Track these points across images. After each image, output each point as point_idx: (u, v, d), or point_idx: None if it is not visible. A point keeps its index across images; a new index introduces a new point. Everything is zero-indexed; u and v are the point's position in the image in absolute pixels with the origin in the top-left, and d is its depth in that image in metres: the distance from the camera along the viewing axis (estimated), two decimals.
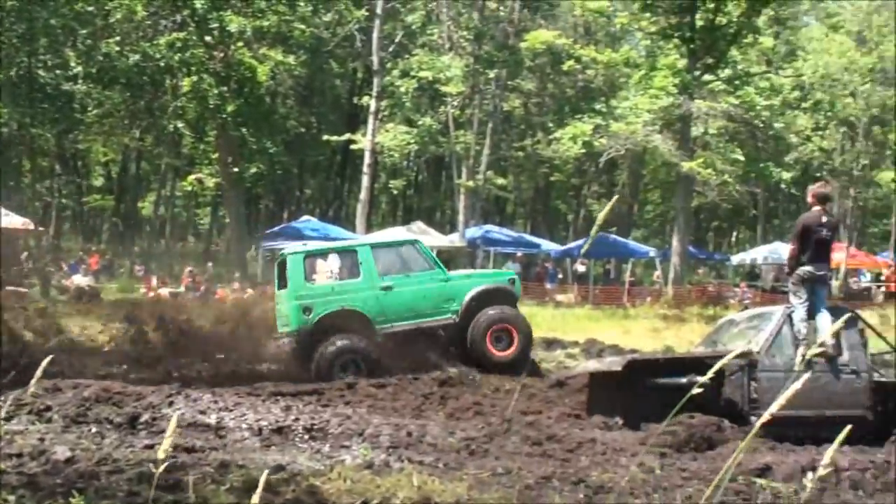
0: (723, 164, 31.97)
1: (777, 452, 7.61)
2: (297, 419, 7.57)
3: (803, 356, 8.66)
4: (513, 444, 7.49)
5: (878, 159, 40.42)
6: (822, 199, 9.49)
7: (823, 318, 9.07)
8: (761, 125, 33.85)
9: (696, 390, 2.81)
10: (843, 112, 36.88)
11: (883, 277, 39.19)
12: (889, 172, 38.26)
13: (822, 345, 8.66)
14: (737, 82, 32.61)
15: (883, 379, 9.34)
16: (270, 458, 6.21)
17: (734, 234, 55.99)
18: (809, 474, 2.94)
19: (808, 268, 9.20)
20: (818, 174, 38.17)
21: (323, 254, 12.88)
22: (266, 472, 3.40)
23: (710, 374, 2.83)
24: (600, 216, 3.21)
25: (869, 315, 24.08)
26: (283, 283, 12.68)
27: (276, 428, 7.41)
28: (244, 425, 7.48)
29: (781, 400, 2.53)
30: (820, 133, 38.31)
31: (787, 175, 37.09)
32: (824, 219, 9.30)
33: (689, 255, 34.45)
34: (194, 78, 28.27)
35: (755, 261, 38.79)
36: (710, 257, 45.06)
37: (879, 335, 10.18)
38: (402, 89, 32.75)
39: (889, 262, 39.73)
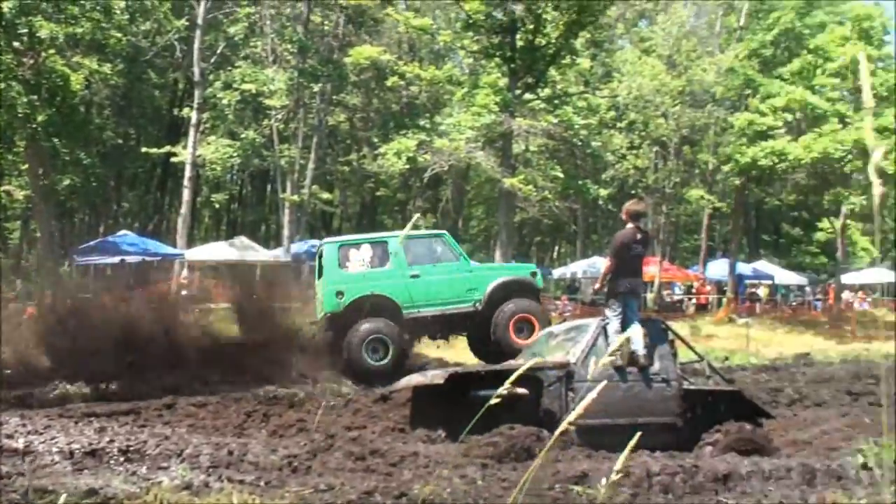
0: (543, 181, 32.80)
1: (593, 460, 8.03)
2: (111, 441, 7.48)
3: (611, 364, 9.10)
4: (336, 459, 7.61)
5: (688, 177, 42.14)
6: (636, 216, 10.02)
7: (636, 329, 9.50)
8: (579, 143, 34.88)
9: (492, 401, 2.94)
10: (656, 132, 38.41)
11: (694, 290, 42.12)
12: (698, 190, 39.90)
13: (632, 354, 9.30)
14: (556, 101, 33.51)
15: (692, 387, 9.84)
16: (83, 481, 6.13)
17: (556, 248, 58.09)
18: (604, 479, 3.11)
19: (623, 282, 9.69)
20: (633, 191, 40.11)
21: (356, 244, 14.07)
22: (64, 495, 3.46)
23: (503, 387, 2.91)
24: (402, 234, 3.63)
25: (680, 326, 25.49)
26: (321, 273, 13.75)
27: (90, 451, 7.29)
28: (55, 449, 7.32)
29: (579, 410, 2.64)
30: (634, 152, 39.81)
31: (604, 192, 37.95)
32: (639, 235, 9.82)
33: None
34: (2, 85, 26.93)
35: (575, 274, 40.76)
36: None
37: (688, 345, 10.90)
38: (225, 101, 32.63)
39: (699, 276, 42.54)
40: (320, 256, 14.05)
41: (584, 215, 45.79)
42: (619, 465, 2.52)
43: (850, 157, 36.15)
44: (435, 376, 9.61)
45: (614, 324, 9.55)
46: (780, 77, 38.57)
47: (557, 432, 2.77)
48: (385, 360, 12.97)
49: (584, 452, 8.37)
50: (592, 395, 2.65)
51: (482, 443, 8.06)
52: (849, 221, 41.63)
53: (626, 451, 2.61)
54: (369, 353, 12.96)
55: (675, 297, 42.39)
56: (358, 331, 13.00)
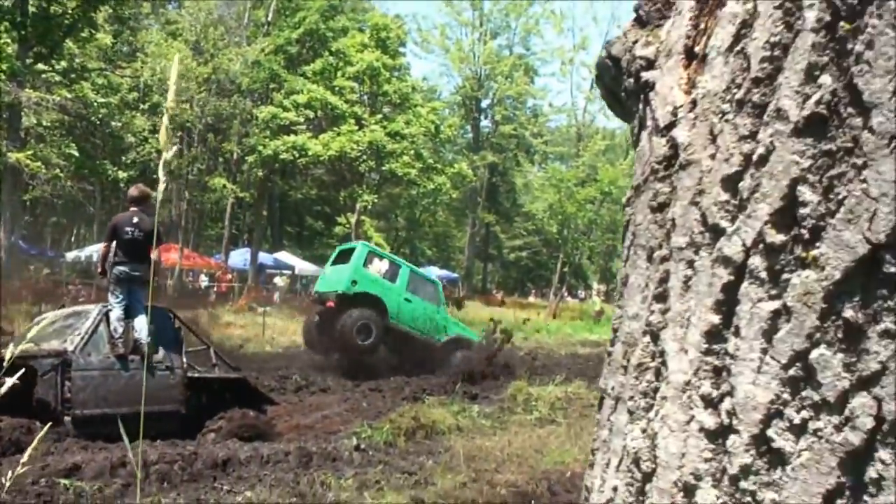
0: (58, 159, 33.91)
1: (88, 451, 8.47)
2: None
3: (112, 354, 10.05)
4: None
5: (213, 165, 47.04)
6: (133, 201, 10.79)
7: (140, 317, 10.28)
8: (98, 122, 37.18)
9: None
10: (181, 117, 41.31)
11: (216, 278, 46.60)
12: (222, 179, 44.27)
13: (136, 342, 10.18)
14: (73, 76, 35.16)
15: (197, 375, 10.70)
16: None
17: (74, 230, 58.83)
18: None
19: (122, 268, 10.38)
20: (155, 176, 44.45)
21: (381, 256, 20.64)
22: None
23: None
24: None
25: (201, 314, 29.68)
26: (339, 261, 20.09)
27: None
28: None
29: None
30: (157, 136, 43.82)
31: (124, 174, 39.76)
32: (136, 219, 10.48)
33: (20, 250, 35.67)
34: None
35: (91, 258, 41.12)
36: (43, 253, 47.22)
37: (195, 333, 11.93)
38: None
39: (221, 264, 47.39)
40: (347, 252, 20.36)
41: (103, 197, 47.80)
42: (25, 457, 2.36)
43: (364, 157, 44.24)
44: None
45: (117, 311, 10.21)
46: (304, 75, 45.04)
47: None
48: (369, 341, 18.33)
49: (80, 444, 8.81)
50: None
51: None
52: (364, 217, 49.61)
53: (31, 449, 2.42)
54: (357, 335, 18.15)
55: (203, 285, 46.72)
56: (352, 315, 18.26)
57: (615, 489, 1.25)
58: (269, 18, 46.67)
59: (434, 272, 65.96)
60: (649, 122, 1.33)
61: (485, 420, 12.10)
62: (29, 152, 32.13)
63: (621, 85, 1.45)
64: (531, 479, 8.29)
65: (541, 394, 13.96)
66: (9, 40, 32.20)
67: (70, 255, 45.26)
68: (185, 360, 10.64)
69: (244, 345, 23.77)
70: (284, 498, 7.48)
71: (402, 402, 14.06)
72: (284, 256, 54.25)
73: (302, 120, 44.07)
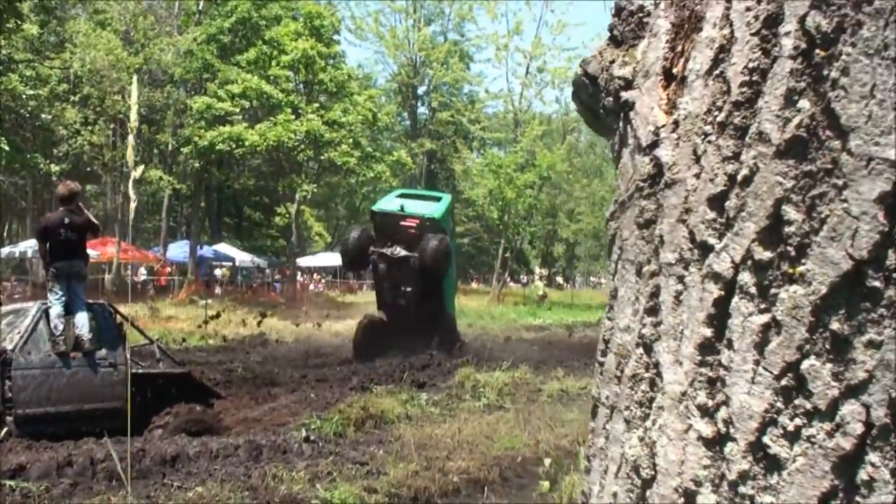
0: None
1: (33, 451, 8.47)
2: None
3: (53, 352, 9.91)
4: None
5: (148, 157, 45.58)
6: (63, 200, 10.70)
7: (81, 314, 10.21)
8: (28, 115, 36.58)
9: None
10: (113, 108, 40.71)
11: (155, 271, 46.41)
12: (158, 170, 43.67)
13: (77, 339, 10.06)
14: (0, 68, 34.59)
15: (140, 370, 10.60)
16: None
17: (7, 225, 58.02)
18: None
19: (60, 264, 10.29)
20: (89, 168, 42.75)
21: (452, 215, 24.01)
22: None
23: None
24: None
25: (140, 308, 29.74)
26: (408, 198, 22.12)
27: None
28: None
29: None
30: (90, 128, 41.19)
31: (56, 167, 38.75)
32: (67, 219, 10.37)
33: None
34: None
35: (25, 254, 41.90)
36: None
37: (137, 328, 11.93)
38: None
39: (160, 257, 46.81)
40: (417, 194, 24.85)
41: (35, 191, 46.67)
42: None
43: (302, 146, 43.94)
44: None
45: (57, 308, 10.09)
46: (238, 64, 44.48)
47: None
48: (445, 266, 20.17)
49: (24, 444, 8.78)
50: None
51: None
52: (303, 207, 49.26)
53: None
54: (443, 257, 19.71)
55: (139, 279, 45.95)
56: (441, 241, 19.82)
57: (615, 495, 1.31)
58: (201, 7, 45.86)
59: None
60: (631, 141, 1.38)
61: (433, 408, 12.16)
62: None
63: (599, 102, 1.51)
64: (482, 465, 8.45)
65: (488, 380, 14.06)
66: None
67: (4, 252, 44.13)
68: (128, 355, 10.53)
69: (187, 338, 23.62)
70: (236, 492, 7.47)
71: (351, 392, 14.03)
72: (224, 248, 53.91)
73: (237, 110, 43.50)
